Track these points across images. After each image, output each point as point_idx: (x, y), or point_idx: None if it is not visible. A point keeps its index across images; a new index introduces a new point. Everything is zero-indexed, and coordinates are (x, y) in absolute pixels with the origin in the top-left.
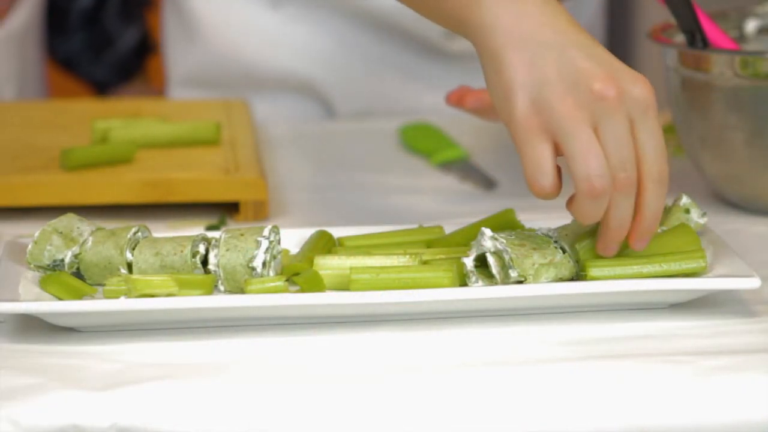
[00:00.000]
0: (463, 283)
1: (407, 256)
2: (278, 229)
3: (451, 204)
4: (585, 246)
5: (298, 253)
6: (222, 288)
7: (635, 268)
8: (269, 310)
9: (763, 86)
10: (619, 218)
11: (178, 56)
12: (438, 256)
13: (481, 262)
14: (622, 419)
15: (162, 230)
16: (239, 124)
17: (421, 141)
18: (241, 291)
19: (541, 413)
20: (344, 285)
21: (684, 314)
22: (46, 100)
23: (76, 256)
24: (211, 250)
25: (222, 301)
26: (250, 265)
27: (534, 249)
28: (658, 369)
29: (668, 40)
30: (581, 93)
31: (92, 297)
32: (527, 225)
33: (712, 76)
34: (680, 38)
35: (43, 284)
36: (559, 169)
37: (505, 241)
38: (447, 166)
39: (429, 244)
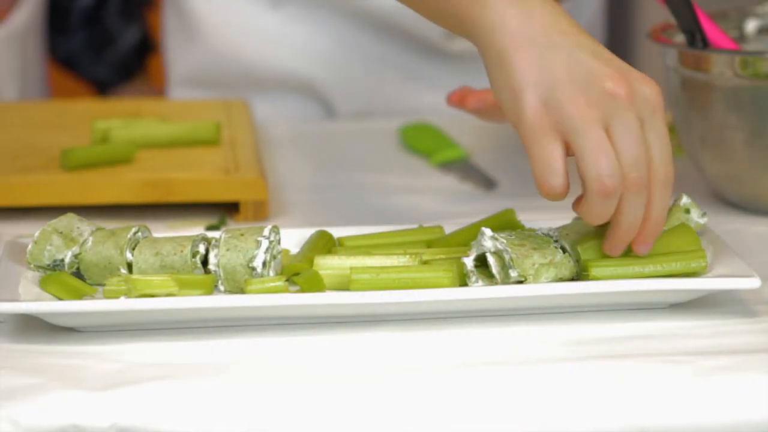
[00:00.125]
0: (463, 283)
1: (407, 256)
2: (278, 229)
3: (451, 204)
4: (587, 246)
5: (298, 253)
6: (222, 288)
7: (636, 268)
8: (269, 310)
9: (763, 86)
10: (631, 218)
11: (179, 56)
12: (438, 256)
13: (481, 262)
14: (622, 419)
15: (162, 230)
16: (239, 124)
17: (421, 141)
18: (241, 291)
19: (541, 413)
20: (344, 285)
21: (684, 314)
22: (47, 100)
23: (76, 256)
24: (211, 250)
25: (222, 301)
26: (250, 265)
27: (534, 249)
28: (658, 369)
29: (668, 40)
30: (593, 92)
31: (92, 297)
32: (527, 225)
33: (712, 76)
34: (680, 38)
35: (43, 284)
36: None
37: (505, 241)
38: (447, 166)
39: (429, 244)
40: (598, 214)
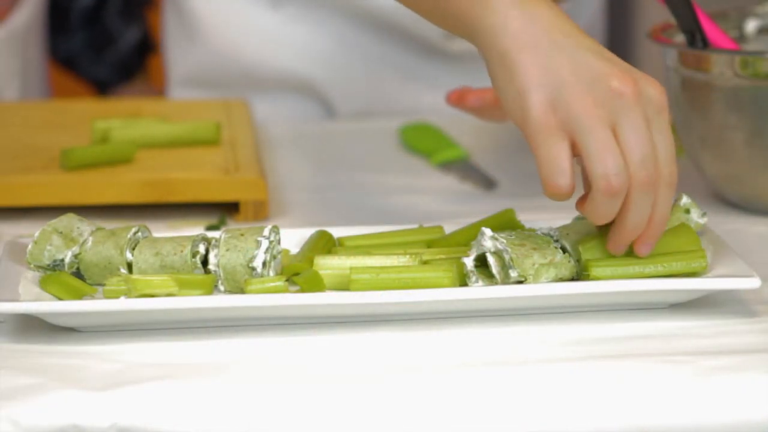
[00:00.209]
0: (463, 283)
1: (407, 256)
2: (278, 229)
3: (451, 204)
4: (588, 246)
5: (298, 253)
6: (222, 288)
7: (636, 268)
8: (269, 310)
9: (763, 86)
10: (638, 217)
11: (179, 56)
12: (438, 256)
13: (481, 262)
14: (622, 419)
15: (162, 230)
16: (239, 124)
17: (421, 141)
18: (241, 291)
19: (541, 413)
20: (344, 285)
21: (684, 314)
22: (47, 100)
23: (76, 256)
24: (211, 250)
25: (222, 301)
26: (250, 265)
27: (534, 249)
28: (658, 369)
29: (668, 40)
30: (599, 91)
31: (92, 297)
32: (527, 225)
33: (712, 76)
34: (680, 38)
35: (43, 284)
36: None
37: (505, 241)
38: (447, 166)
39: (429, 244)
40: (602, 214)
